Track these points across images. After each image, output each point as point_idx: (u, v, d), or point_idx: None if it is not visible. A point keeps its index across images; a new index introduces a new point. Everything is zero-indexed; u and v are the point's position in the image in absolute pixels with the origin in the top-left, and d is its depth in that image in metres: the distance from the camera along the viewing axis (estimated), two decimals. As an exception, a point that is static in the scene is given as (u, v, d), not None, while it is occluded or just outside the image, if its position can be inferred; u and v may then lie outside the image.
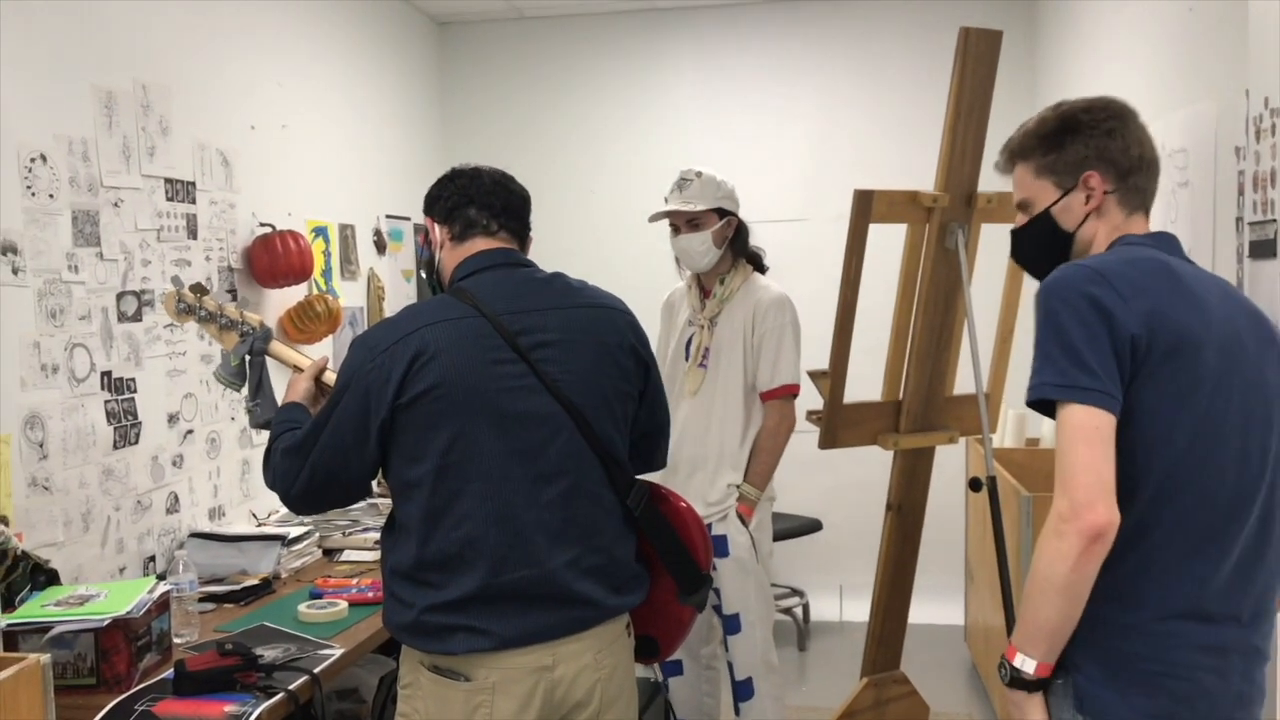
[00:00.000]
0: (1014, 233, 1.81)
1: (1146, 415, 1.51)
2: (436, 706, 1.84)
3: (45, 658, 1.68)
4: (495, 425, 1.82)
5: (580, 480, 1.87)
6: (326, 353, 4.00)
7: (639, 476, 2.02)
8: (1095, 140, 1.66)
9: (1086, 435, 1.48)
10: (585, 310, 1.94)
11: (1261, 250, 1.89)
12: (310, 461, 1.88)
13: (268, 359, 2.38)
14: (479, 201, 1.98)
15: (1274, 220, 1.84)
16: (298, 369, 2.32)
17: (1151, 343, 1.50)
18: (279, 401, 2.39)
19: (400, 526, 1.89)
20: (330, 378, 2.24)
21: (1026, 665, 1.56)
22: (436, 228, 2.03)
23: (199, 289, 2.39)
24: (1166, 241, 1.67)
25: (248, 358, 2.36)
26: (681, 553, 2.00)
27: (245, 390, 2.39)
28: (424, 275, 2.15)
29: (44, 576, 2.31)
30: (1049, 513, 1.50)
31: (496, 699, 1.81)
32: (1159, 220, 1.72)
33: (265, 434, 3.54)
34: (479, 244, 1.98)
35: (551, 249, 5.13)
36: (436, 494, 1.82)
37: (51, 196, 2.62)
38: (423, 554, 1.83)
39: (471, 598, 1.81)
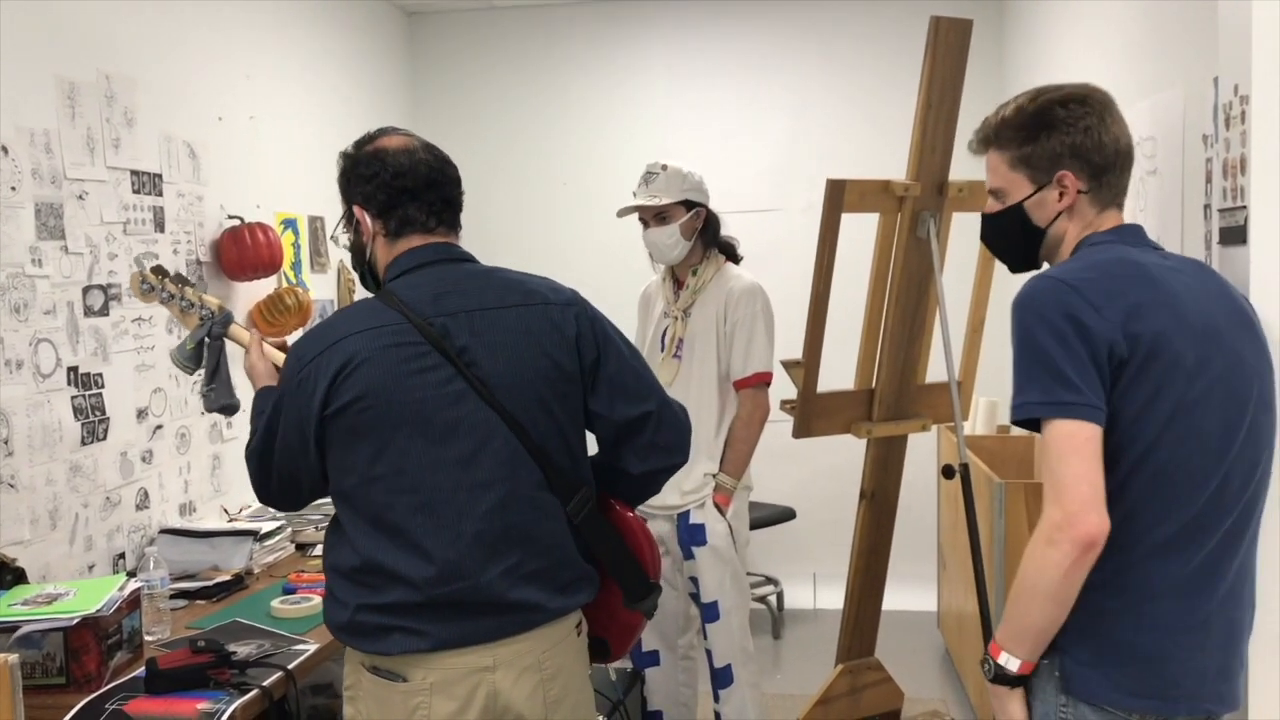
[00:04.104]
0: (985, 217, 1.80)
1: (1131, 418, 1.53)
2: (378, 708, 1.80)
3: (13, 658, 1.66)
4: (424, 436, 1.77)
5: (517, 486, 1.81)
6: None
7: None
8: (1072, 137, 1.64)
9: (1075, 447, 1.50)
10: (518, 309, 1.85)
11: (1232, 236, 1.90)
12: (275, 465, 1.87)
13: (228, 343, 2.34)
14: (419, 197, 1.87)
15: (1244, 207, 1.85)
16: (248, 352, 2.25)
17: (1132, 347, 1.52)
18: (234, 387, 2.35)
19: (340, 528, 1.85)
20: (272, 352, 2.15)
21: (1010, 663, 1.60)
22: (368, 218, 1.89)
23: (160, 271, 2.35)
24: (1131, 234, 1.67)
25: (206, 340, 2.32)
26: (629, 561, 1.93)
27: (200, 374, 2.35)
28: (353, 264, 2.05)
29: (11, 575, 2.28)
30: (1040, 522, 1.52)
31: (435, 700, 1.77)
32: (1128, 209, 1.72)
33: (235, 426, 3.48)
34: (414, 240, 1.89)
35: (523, 242, 5.15)
36: (368, 506, 1.78)
37: (13, 189, 2.58)
38: (358, 562, 1.79)
39: (407, 604, 1.77)
